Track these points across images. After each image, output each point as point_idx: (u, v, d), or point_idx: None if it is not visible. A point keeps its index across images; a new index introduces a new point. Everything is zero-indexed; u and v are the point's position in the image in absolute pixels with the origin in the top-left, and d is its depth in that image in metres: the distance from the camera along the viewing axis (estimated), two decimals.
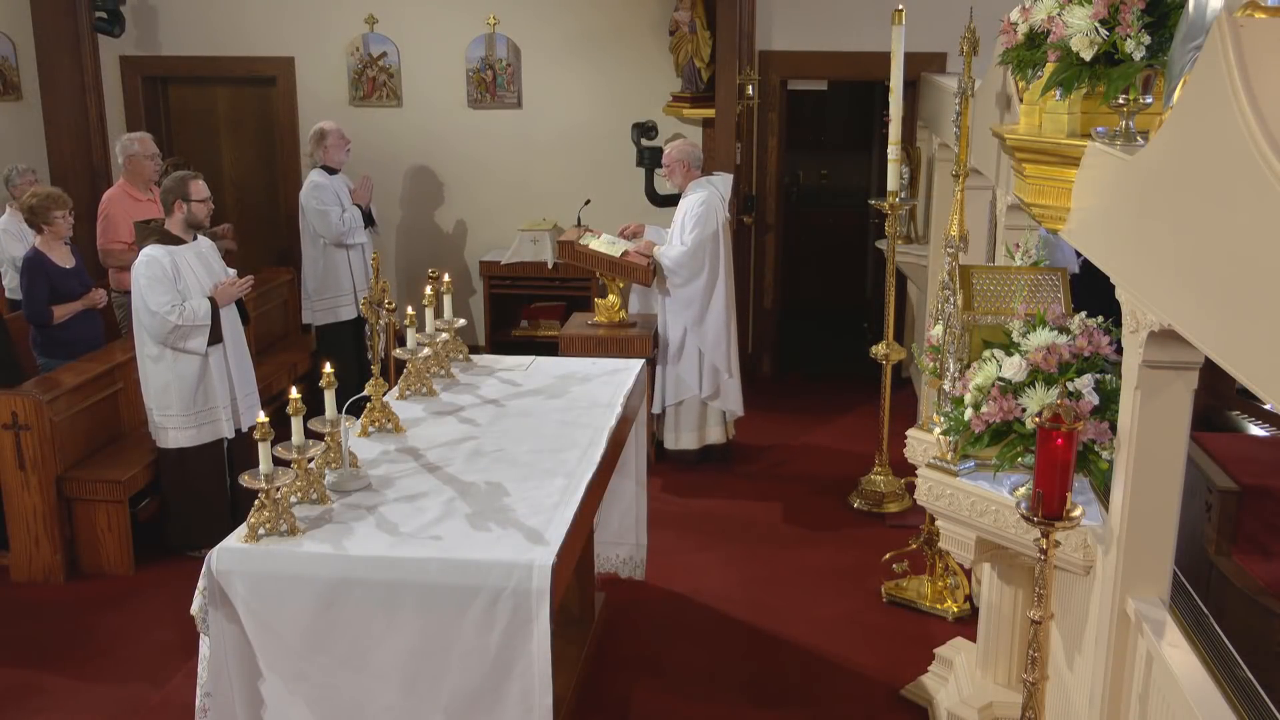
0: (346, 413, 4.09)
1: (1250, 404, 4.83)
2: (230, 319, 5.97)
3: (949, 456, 3.97)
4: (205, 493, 6.04)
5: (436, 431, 4.49)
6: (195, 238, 5.94)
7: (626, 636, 5.39)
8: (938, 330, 4.58)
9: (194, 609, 3.55)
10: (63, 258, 6.40)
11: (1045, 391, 3.46)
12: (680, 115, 8.66)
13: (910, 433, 4.87)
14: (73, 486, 5.88)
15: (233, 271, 6.11)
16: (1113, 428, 3.32)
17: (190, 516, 6.05)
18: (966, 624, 5.34)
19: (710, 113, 8.48)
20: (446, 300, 5.12)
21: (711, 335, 7.09)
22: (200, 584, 3.53)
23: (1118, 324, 3.23)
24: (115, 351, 6.41)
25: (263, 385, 7.26)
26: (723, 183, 7.21)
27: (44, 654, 5.25)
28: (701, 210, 7.00)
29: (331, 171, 7.67)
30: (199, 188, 5.88)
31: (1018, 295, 3.89)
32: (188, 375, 5.81)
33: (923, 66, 7.90)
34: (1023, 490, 3.40)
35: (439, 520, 3.70)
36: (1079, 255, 4.59)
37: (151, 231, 5.87)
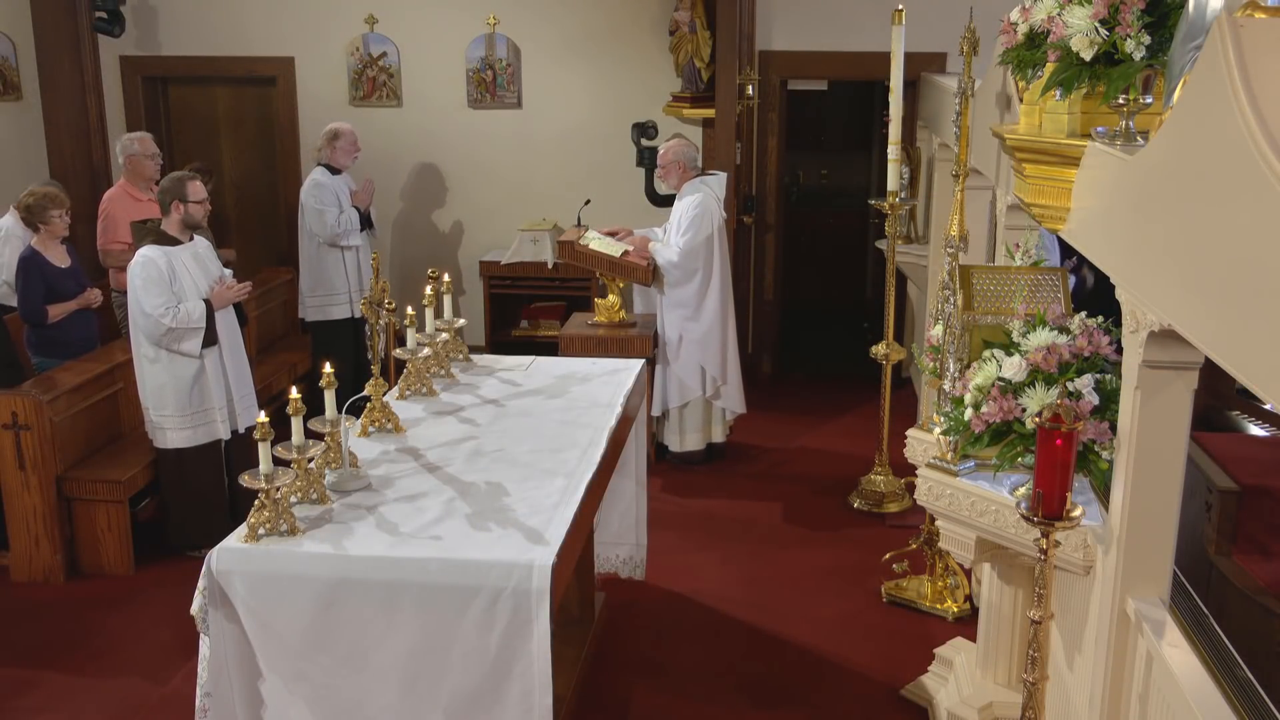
0: (346, 413, 4.09)
1: (1250, 404, 4.82)
2: (227, 321, 5.96)
3: (949, 456, 3.97)
4: (204, 493, 6.04)
5: (436, 431, 4.49)
6: (192, 238, 5.93)
7: (626, 636, 5.39)
8: (938, 330, 4.58)
9: (194, 609, 3.55)
10: (58, 257, 6.40)
11: (1045, 391, 3.45)
12: (680, 115, 8.65)
13: (910, 433, 4.87)
14: (73, 486, 5.88)
15: (229, 272, 6.10)
16: (1113, 428, 3.32)
17: (189, 516, 6.05)
18: (966, 624, 5.34)
19: (710, 113, 8.48)
20: (446, 300, 5.12)
21: (702, 339, 7.06)
22: (200, 584, 3.53)
23: (1117, 324, 3.23)
24: (115, 351, 6.41)
25: (262, 385, 7.27)
26: (718, 183, 7.19)
27: (44, 654, 5.25)
28: (696, 213, 6.97)
29: (334, 171, 7.65)
30: (196, 188, 5.87)
31: (1018, 295, 3.89)
32: (183, 376, 5.81)
33: (923, 66, 7.90)
34: (1023, 490, 3.40)
35: (439, 520, 3.70)
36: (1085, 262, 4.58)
37: (148, 232, 5.86)
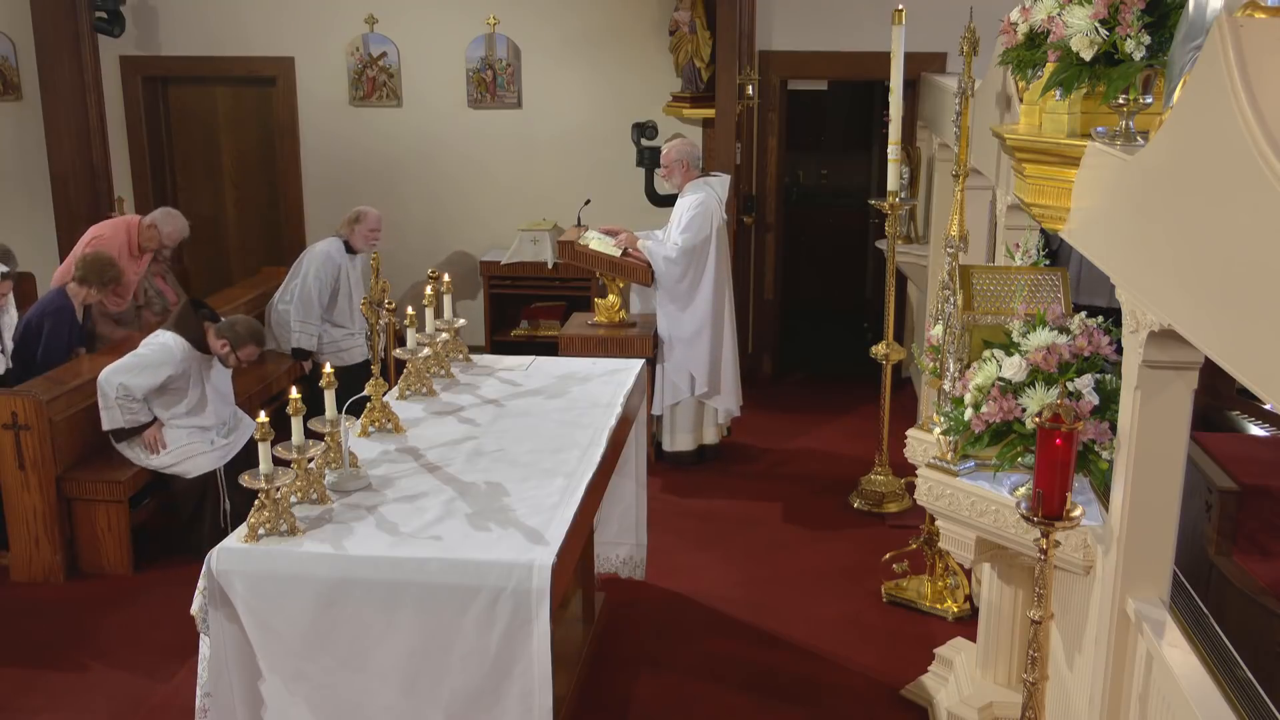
0: (346, 413, 4.09)
1: (1250, 404, 4.82)
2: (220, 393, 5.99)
3: (949, 456, 3.97)
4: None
5: (436, 431, 4.49)
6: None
7: (627, 636, 5.39)
8: (938, 330, 4.58)
9: (194, 609, 3.56)
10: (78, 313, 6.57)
11: (1045, 391, 3.45)
12: (680, 115, 8.65)
13: (910, 433, 4.87)
14: (72, 486, 5.89)
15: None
16: (1113, 428, 3.32)
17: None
18: (966, 624, 5.34)
19: (710, 113, 8.48)
20: (446, 300, 5.12)
21: (691, 340, 7.03)
22: (200, 584, 3.54)
23: (1118, 324, 3.23)
24: (114, 352, 6.41)
25: (263, 385, 7.27)
26: (720, 185, 7.18)
27: (44, 654, 5.25)
28: (697, 212, 6.96)
29: (350, 250, 7.41)
30: (250, 353, 5.93)
31: (1018, 295, 3.89)
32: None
33: (923, 66, 7.90)
34: (1023, 490, 3.40)
35: (439, 520, 3.71)
36: None
37: (195, 322, 5.83)
